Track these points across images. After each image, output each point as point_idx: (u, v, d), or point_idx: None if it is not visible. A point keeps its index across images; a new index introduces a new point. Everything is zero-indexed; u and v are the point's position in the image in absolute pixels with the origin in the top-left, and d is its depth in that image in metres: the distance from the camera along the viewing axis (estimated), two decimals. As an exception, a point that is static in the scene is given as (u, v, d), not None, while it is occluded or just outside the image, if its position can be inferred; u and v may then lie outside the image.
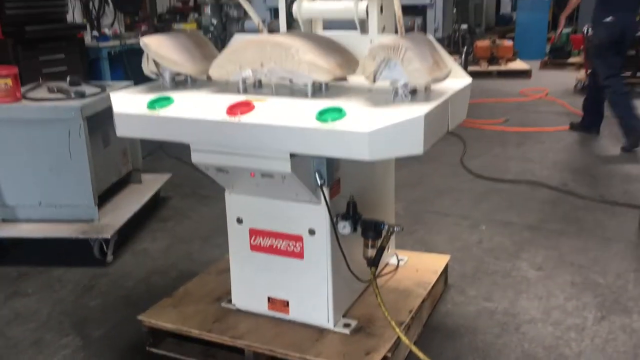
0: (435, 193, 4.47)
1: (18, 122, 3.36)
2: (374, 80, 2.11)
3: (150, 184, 4.22)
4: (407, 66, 2.03)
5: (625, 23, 5.37)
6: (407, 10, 5.06)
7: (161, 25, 7.23)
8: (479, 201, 4.30)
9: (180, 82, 2.56)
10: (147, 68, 2.51)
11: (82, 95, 3.51)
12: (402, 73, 2.06)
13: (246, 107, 2.14)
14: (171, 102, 2.27)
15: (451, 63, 2.39)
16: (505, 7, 16.34)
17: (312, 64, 2.17)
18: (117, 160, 3.96)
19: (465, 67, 5.71)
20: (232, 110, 2.12)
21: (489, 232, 3.74)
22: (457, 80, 2.40)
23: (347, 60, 2.33)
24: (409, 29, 5.24)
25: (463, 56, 5.70)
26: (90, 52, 6.40)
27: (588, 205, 4.17)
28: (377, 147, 1.95)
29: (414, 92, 2.13)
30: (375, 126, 1.93)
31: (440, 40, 5.70)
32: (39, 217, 3.49)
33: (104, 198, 3.72)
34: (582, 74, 8.33)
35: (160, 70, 2.49)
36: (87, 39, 6.49)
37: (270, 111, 2.12)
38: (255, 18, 2.85)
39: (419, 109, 1.97)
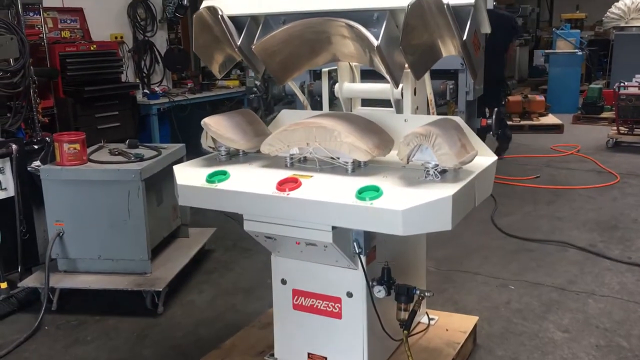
0: (466, 251, 4.66)
1: (84, 183, 3.71)
2: (408, 162, 2.38)
3: (197, 238, 4.52)
4: (437, 151, 2.29)
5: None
6: (439, 74, 5.32)
7: (206, 83, 7.67)
8: (509, 260, 4.47)
9: (234, 155, 2.86)
10: (205, 143, 2.82)
11: (141, 158, 3.85)
12: (433, 156, 2.32)
13: (294, 183, 2.42)
14: (227, 177, 2.56)
15: (479, 144, 2.64)
16: (539, 59, 16.56)
17: (353, 145, 2.45)
18: (168, 215, 4.28)
19: (496, 126, 5.92)
20: (282, 186, 2.41)
21: (517, 293, 3.91)
22: (484, 158, 2.65)
23: (383, 140, 2.61)
24: (441, 93, 5.54)
25: (494, 116, 5.89)
26: (142, 108, 6.84)
27: (616, 266, 4.30)
28: (409, 224, 2.19)
29: (443, 172, 2.39)
30: (408, 205, 2.18)
31: (472, 103, 5.98)
32: (98, 269, 3.81)
33: (155, 252, 4.03)
34: (613, 130, 8.46)
35: (217, 145, 2.80)
36: (139, 96, 6.94)
37: (315, 187, 2.39)
38: (301, 96, 3.16)
39: (448, 189, 2.22)
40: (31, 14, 6.06)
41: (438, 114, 6.47)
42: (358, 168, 2.58)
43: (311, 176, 2.50)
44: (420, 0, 2.23)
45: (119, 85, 6.49)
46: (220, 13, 2.63)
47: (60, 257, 3.82)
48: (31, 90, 4.58)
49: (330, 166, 2.58)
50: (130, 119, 6.57)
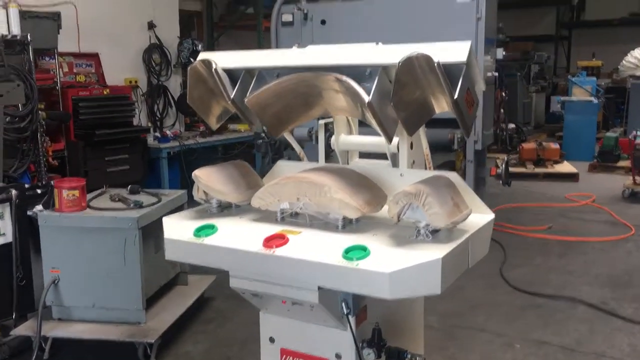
0: (470, 306, 4.52)
1: (81, 230, 3.69)
2: (398, 220, 2.31)
3: (196, 285, 4.45)
4: (428, 210, 2.22)
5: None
6: (445, 122, 5.30)
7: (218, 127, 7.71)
8: (515, 317, 4.32)
9: (226, 207, 2.82)
10: (197, 195, 2.78)
11: (139, 205, 3.83)
12: (424, 215, 2.25)
13: (281, 239, 2.36)
14: (215, 231, 2.51)
15: (475, 201, 2.57)
16: (556, 105, 16.51)
17: (342, 201, 2.40)
18: (166, 263, 4.23)
19: (505, 176, 5.84)
20: (268, 242, 2.35)
21: (522, 352, 3.76)
22: (480, 216, 2.57)
23: (376, 196, 2.54)
24: (447, 143, 5.50)
25: (503, 165, 5.82)
26: (152, 151, 6.89)
27: (627, 327, 4.13)
28: (397, 287, 2.11)
29: (436, 231, 2.31)
30: (396, 267, 2.10)
31: (481, 152, 5.92)
32: (92, 317, 3.75)
33: (152, 300, 3.96)
34: (629, 180, 8.31)
35: (208, 197, 2.76)
36: (150, 139, 7.00)
37: (302, 245, 2.33)
38: (297, 148, 3.13)
39: (438, 251, 2.14)
40: (47, 58, 6.19)
41: (445, 162, 6.40)
42: (349, 224, 2.52)
43: (300, 232, 2.44)
44: (411, 57, 2.20)
45: (130, 129, 6.56)
46: (214, 66, 2.63)
47: (55, 304, 3.78)
48: (39, 135, 4.61)
49: (321, 222, 2.52)
50: (140, 162, 6.61)
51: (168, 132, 7.27)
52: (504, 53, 6.11)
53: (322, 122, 3.05)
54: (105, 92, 6.35)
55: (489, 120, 5.91)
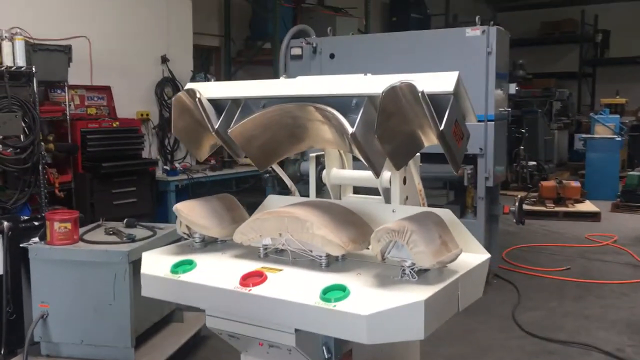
0: (479, 350, 4.30)
1: (71, 264, 3.61)
2: (383, 259, 2.17)
3: (192, 323, 4.32)
4: (412, 249, 2.08)
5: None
6: (457, 159, 5.15)
7: (228, 160, 7.67)
8: (525, 363, 4.09)
9: (210, 242, 2.71)
10: (180, 230, 2.68)
11: (132, 239, 3.74)
12: (409, 254, 2.11)
13: (258, 278, 2.23)
14: (193, 267, 2.40)
15: (469, 241, 2.42)
16: (579, 143, 16.22)
17: (325, 238, 2.27)
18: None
19: (519, 214, 5.64)
20: (245, 280, 2.22)
21: (530, 402, 3.53)
22: (473, 256, 2.41)
23: (362, 233, 2.41)
24: (457, 179, 5.34)
25: (517, 202, 5.64)
26: (160, 184, 6.85)
27: (646, 376, 3.87)
28: (375, 331, 1.96)
29: (423, 271, 2.17)
30: (374, 309, 1.96)
31: (493, 188, 5.74)
32: (80, 354, 3.64)
33: (143, 338, 3.84)
34: (653, 221, 8.01)
35: (191, 231, 2.66)
36: (159, 172, 6.97)
37: (280, 284, 2.20)
38: (287, 181, 3.02)
39: (421, 293, 1.99)
40: (58, 91, 6.23)
41: (455, 199, 6.21)
42: (335, 262, 2.39)
43: (281, 270, 2.32)
44: (395, 87, 2.09)
45: (138, 161, 6.54)
46: (198, 95, 2.55)
47: (44, 340, 3.68)
48: (40, 166, 4.59)
49: (306, 259, 2.39)
50: (148, 195, 6.57)
51: (177, 165, 7.24)
52: (517, 88, 5.98)
53: (313, 155, 2.95)
54: (114, 125, 6.35)
55: (501, 157, 5.74)
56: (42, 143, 4.70)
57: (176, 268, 2.40)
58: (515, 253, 7.02)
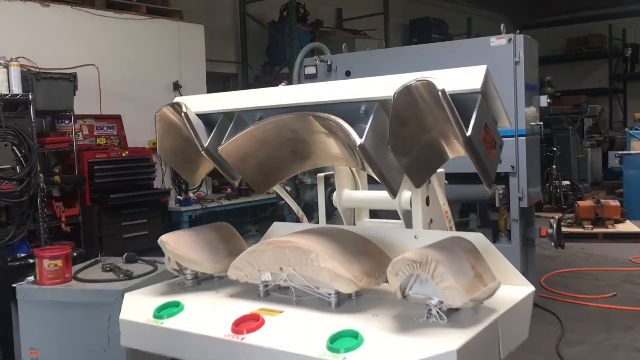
0: (522, 392, 3.81)
1: (62, 305, 3.26)
2: (404, 296, 1.77)
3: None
4: (439, 284, 1.68)
5: None
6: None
7: (245, 189, 7.34)
8: (575, 406, 3.59)
9: (204, 279, 2.35)
10: (169, 265, 2.32)
11: (129, 276, 3.39)
12: (435, 291, 1.71)
13: (254, 323, 1.86)
14: (180, 311, 2.04)
15: (507, 270, 2.01)
16: (613, 161, 15.55)
17: (333, 272, 1.89)
18: (166, 341, 3.74)
19: (558, 238, 5.17)
20: (238, 326, 1.85)
21: None
22: (515, 289, 2.00)
23: (379, 265, 2.02)
24: (489, 200, 4.91)
25: (555, 224, 5.17)
26: (173, 216, 6.54)
27: None
28: (396, 390, 1.56)
29: (454, 311, 1.76)
30: (394, 363, 1.56)
31: (528, 210, 5.29)
32: (72, 406, 3.26)
33: (144, 385, 3.46)
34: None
35: (182, 268, 2.30)
36: (172, 203, 6.67)
37: (279, 330, 1.82)
38: (294, 206, 2.65)
39: (453, 340, 1.59)
40: (66, 121, 6.00)
41: (486, 223, 5.75)
42: (348, 300, 2.00)
43: (282, 312, 1.94)
44: (409, 87, 1.72)
45: (149, 192, 6.24)
46: (184, 110, 2.21)
47: (34, 390, 3.31)
48: (39, 200, 4.30)
49: (312, 298, 2.01)
50: (160, 227, 6.24)
51: (191, 195, 6.93)
52: (548, 101, 5.54)
53: (321, 175, 2.58)
54: (124, 155, 6.08)
55: (535, 175, 5.29)
56: (41, 175, 4.42)
57: (160, 312, 2.04)
58: (554, 279, 6.50)
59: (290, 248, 1.98)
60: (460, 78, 1.74)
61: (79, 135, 6.06)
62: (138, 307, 2.14)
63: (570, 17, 17.55)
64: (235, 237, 2.41)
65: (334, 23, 11.29)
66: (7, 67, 4.41)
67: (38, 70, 5.39)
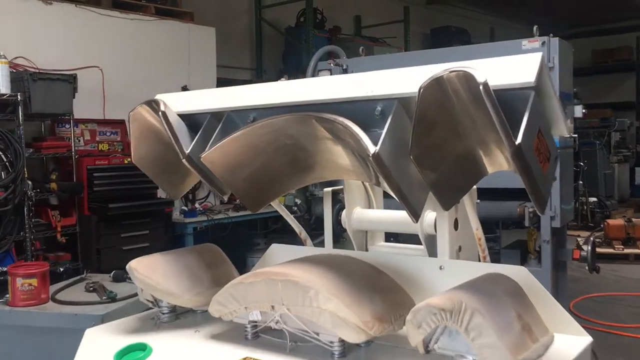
0: None
1: (35, 330, 2.90)
2: (427, 351, 1.36)
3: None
4: (476, 339, 1.27)
5: None
6: (514, 194, 4.29)
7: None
8: None
9: (183, 312, 1.95)
10: (142, 296, 1.93)
11: (112, 298, 3.01)
12: (469, 347, 1.30)
13: (234, 379, 1.45)
14: (145, 356, 1.64)
15: (558, 314, 1.58)
16: (642, 176, 14.95)
17: (336, 316, 1.48)
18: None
19: (592, 260, 4.71)
20: (213, 383, 1.45)
21: None
22: (568, 340, 1.57)
23: (394, 305, 1.60)
24: (516, 218, 4.47)
25: (589, 246, 4.71)
26: (177, 227, 6.16)
27: None
28: None
29: (491, 372, 1.34)
30: None
31: (560, 230, 4.84)
32: None
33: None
34: None
35: (157, 299, 1.90)
36: (176, 213, 6.29)
37: (265, 390, 1.41)
38: (295, 226, 2.24)
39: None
40: (66, 125, 5.66)
41: (514, 242, 5.30)
42: (355, 349, 1.59)
43: (270, 365, 1.53)
44: (440, 80, 1.32)
45: (151, 201, 5.85)
46: (162, 107, 1.83)
47: None
48: (25, 208, 3.94)
49: (310, 344, 1.60)
50: (163, 238, 5.87)
51: (197, 206, 6.55)
52: (584, 111, 5.10)
53: (328, 190, 2.18)
54: (126, 162, 5.71)
55: (568, 192, 4.83)
56: (29, 182, 4.06)
57: (121, 357, 1.64)
58: (585, 304, 6.01)
59: (284, 282, 1.57)
60: (506, 69, 1.34)
61: (79, 140, 5.70)
62: (97, 348, 1.75)
63: (596, 29, 17.05)
64: (223, 261, 2.01)
65: (352, 30, 10.93)
66: (-7, 64, 4.08)
67: (35, 70, 5.06)
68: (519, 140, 1.25)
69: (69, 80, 5.18)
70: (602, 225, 9.35)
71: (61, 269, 3.92)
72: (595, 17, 16.56)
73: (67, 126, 5.63)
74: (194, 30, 7.12)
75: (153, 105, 1.85)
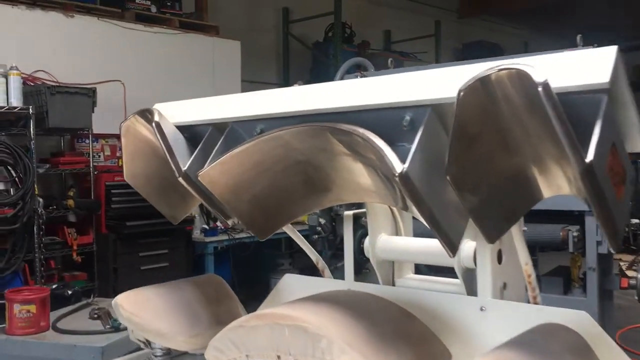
0: None
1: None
2: None
3: None
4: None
5: None
6: (558, 217, 3.95)
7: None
8: None
9: (179, 355, 1.69)
10: (133, 335, 1.67)
11: (116, 328, 2.77)
12: None
13: None
14: (126, 412, 1.38)
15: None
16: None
17: (354, 373, 1.19)
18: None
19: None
20: None
21: None
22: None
23: (424, 356, 1.31)
24: (559, 244, 4.11)
25: (639, 274, 4.33)
26: (197, 246, 5.93)
27: None
28: None
29: None
30: None
31: (606, 256, 4.46)
32: None
33: None
34: None
35: (150, 340, 1.64)
36: (196, 232, 6.07)
37: None
38: (312, 255, 1.97)
39: None
40: (86, 140, 5.50)
41: (556, 268, 4.92)
42: (377, 409, 1.30)
43: None
44: (486, 80, 1.04)
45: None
46: (156, 118, 1.58)
47: None
48: (35, 227, 3.75)
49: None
50: (183, 258, 5.65)
51: (218, 224, 6.32)
52: None
53: (349, 213, 1.91)
54: (146, 178, 5.53)
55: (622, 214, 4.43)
56: (40, 199, 3.88)
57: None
58: (632, 336, 5.57)
59: (291, 327, 1.30)
60: (571, 66, 1.05)
61: (99, 156, 5.55)
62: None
63: (637, 44, 16.53)
64: (226, 296, 1.75)
65: (381, 45, 10.69)
66: (6, 76, 3.92)
67: (53, 84, 4.92)
68: (589, 157, 0.96)
69: (88, 94, 5.03)
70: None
71: (69, 292, 3.71)
72: (637, 31, 16.09)
73: (87, 141, 5.47)
74: (219, 43, 6.95)
75: (147, 115, 1.61)
